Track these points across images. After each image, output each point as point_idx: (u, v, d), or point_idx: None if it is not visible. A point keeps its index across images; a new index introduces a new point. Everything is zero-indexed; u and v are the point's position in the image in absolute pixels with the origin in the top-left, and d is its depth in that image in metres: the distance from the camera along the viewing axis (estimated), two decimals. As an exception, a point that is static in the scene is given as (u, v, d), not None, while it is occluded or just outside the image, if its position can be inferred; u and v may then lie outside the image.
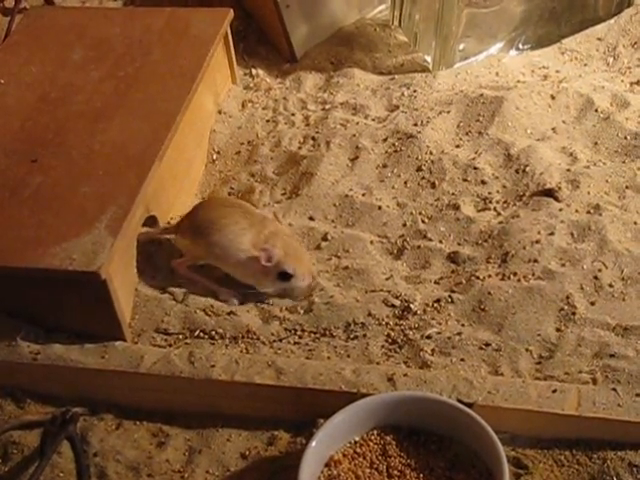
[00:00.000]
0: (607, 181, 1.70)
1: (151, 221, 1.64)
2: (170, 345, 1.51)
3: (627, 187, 1.68)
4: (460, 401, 1.35)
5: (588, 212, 1.64)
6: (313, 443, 1.30)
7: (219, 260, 1.59)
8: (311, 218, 1.71)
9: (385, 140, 1.81)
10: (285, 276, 1.56)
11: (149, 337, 1.52)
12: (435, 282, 1.58)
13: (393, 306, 1.53)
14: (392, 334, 1.49)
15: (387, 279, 1.58)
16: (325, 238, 1.66)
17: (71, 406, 1.45)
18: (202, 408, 1.45)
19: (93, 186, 1.56)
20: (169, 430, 1.44)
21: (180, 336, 1.53)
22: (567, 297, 1.51)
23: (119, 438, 1.43)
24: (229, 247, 1.57)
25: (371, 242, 1.65)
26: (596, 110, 1.84)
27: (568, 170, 1.72)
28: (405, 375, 1.40)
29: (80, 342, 1.50)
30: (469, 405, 1.34)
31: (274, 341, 1.51)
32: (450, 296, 1.53)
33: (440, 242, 1.64)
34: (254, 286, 1.58)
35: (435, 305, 1.52)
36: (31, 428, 1.43)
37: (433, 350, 1.46)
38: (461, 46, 2.00)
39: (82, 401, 1.47)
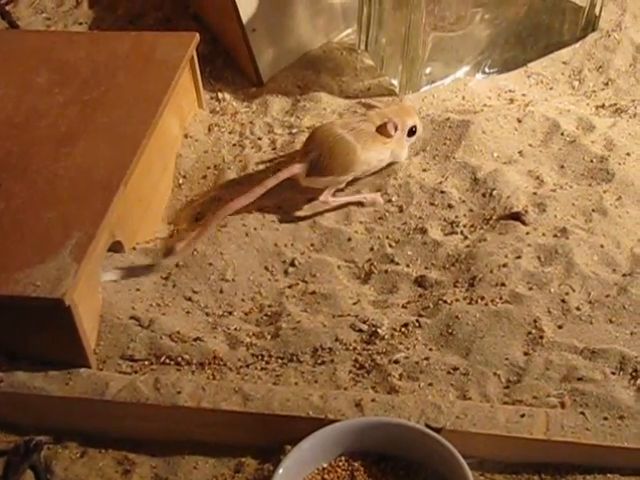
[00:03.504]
0: (573, 204, 1.70)
1: (116, 247, 1.63)
2: (136, 372, 1.49)
3: (593, 210, 1.69)
4: (428, 426, 1.34)
5: (555, 235, 1.64)
6: (280, 470, 1.29)
7: (365, 173, 1.79)
8: (276, 244, 1.70)
9: (352, 164, 1.81)
10: (412, 131, 1.80)
11: (114, 364, 1.51)
12: (402, 306, 1.57)
13: (360, 331, 1.52)
14: (360, 359, 1.48)
15: (354, 304, 1.58)
16: (292, 263, 1.66)
17: (35, 434, 1.43)
18: (168, 435, 1.44)
19: (57, 211, 1.54)
20: (135, 458, 1.43)
21: (146, 362, 1.51)
22: (534, 321, 1.51)
23: (84, 466, 1.42)
24: (372, 160, 1.76)
25: (338, 267, 1.65)
26: (562, 134, 1.84)
27: (535, 193, 1.72)
28: (373, 400, 1.40)
29: (44, 369, 1.48)
30: (437, 430, 1.34)
31: (241, 367, 1.49)
32: (418, 320, 1.53)
33: (407, 266, 1.64)
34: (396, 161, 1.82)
35: (403, 329, 1.52)
36: (-6, 458, 1.42)
37: (401, 375, 1.45)
38: (427, 70, 2.00)
39: (46, 429, 1.45)
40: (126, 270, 1.63)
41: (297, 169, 1.71)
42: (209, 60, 2.13)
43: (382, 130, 1.75)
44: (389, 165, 1.80)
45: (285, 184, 1.72)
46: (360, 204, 1.75)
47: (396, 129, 1.76)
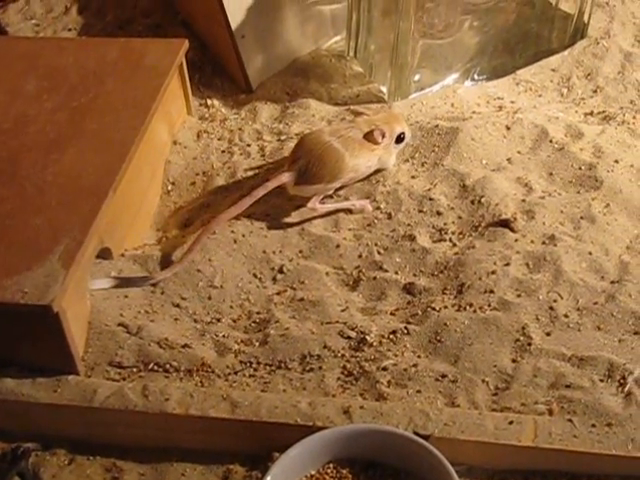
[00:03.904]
0: (562, 211, 1.70)
1: (105, 253, 1.62)
2: (124, 379, 1.49)
3: (582, 217, 1.69)
4: (416, 433, 1.34)
5: (543, 243, 1.64)
6: (268, 477, 1.29)
7: (352, 180, 1.79)
8: (265, 251, 1.70)
9: (341, 171, 1.81)
10: (400, 138, 1.80)
11: (102, 371, 1.50)
12: (391, 313, 1.57)
13: (349, 338, 1.52)
14: (348, 366, 1.48)
15: (343, 311, 1.58)
16: (281, 270, 1.65)
17: (23, 441, 1.43)
18: (156, 442, 1.44)
19: (46, 218, 1.54)
20: (123, 465, 1.42)
21: (134, 369, 1.51)
22: (523, 328, 1.51)
23: (72, 473, 1.41)
24: (360, 167, 1.76)
25: (327, 274, 1.65)
26: (551, 141, 1.85)
27: (523, 201, 1.73)
28: (361, 407, 1.40)
29: (32, 376, 1.47)
30: (425, 437, 1.34)
31: (229, 374, 1.49)
32: (406, 327, 1.53)
33: (396, 273, 1.64)
34: (383, 168, 1.81)
35: (391, 336, 1.52)
36: (-19, 465, 1.41)
37: (389, 382, 1.45)
38: (416, 77, 2.00)
39: (34, 436, 1.45)
40: (118, 280, 1.63)
41: (285, 178, 1.71)
42: (198, 67, 2.13)
43: (369, 137, 1.75)
44: (377, 172, 1.80)
45: (273, 191, 1.72)
46: (349, 211, 1.75)
47: (383, 136, 1.76)
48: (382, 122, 1.78)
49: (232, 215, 1.70)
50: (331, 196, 1.77)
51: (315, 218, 1.74)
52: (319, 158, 1.71)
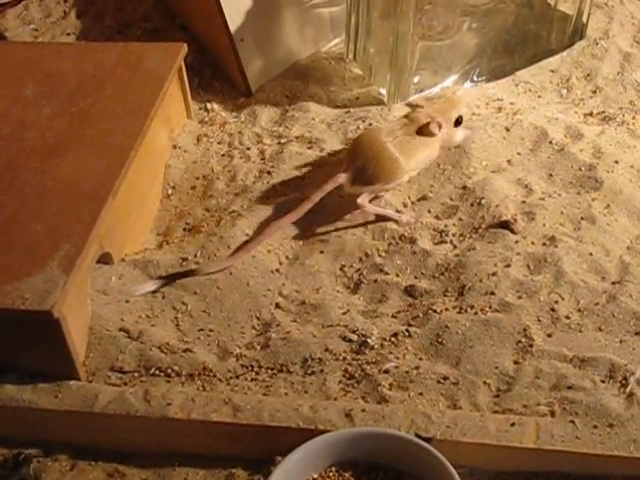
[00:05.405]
0: (562, 212, 1.70)
1: (105, 258, 1.62)
2: (125, 384, 1.49)
3: (582, 218, 1.69)
4: (418, 436, 1.34)
5: (544, 244, 1.64)
6: (271, 481, 1.29)
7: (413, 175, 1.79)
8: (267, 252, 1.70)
9: (341, 174, 1.81)
10: (458, 122, 1.81)
11: (104, 376, 1.50)
12: (392, 316, 1.57)
13: (350, 341, 1.52)
14: (349, 369, 1.48)
15: (344, 314, 1.58)
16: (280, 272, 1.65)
17: (24, 448, 1.42)
18: (158, 447, 1.44)
19: (46, 223, 1.54)
20: (125, 470, 1.42)
21: (135, 374, 1.50)
22: (524, 329, 1.51)
23: (74, 479, 1.41)
24: (420, 164, 1.78)
25: (328, 276, 1.65)
26: (550, 142, 1.85)
27: (523, 202, 1.72)
28: (363, 410, 1.39)
29: (33, 382, 1.47)
30: (427, 440, 1.34)
31: (231, 378, 1.49)
32: (407, 330, 1.52)
33: (397, 276, 1.63)
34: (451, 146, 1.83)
35: (392, 339, 1.52)
36: (-18, 472, 1.41)
37: (391, 385, 1.45)
38: (416, 79, 2.00)
39: (36, 442, 1.45)
40: (163, 279, 1.63)
41: (342, 179, 1.70)
42: (197, 70, 2.13)
43: (425, 131, 1.75)
44: None
45: (276, 193, 1.72)
46: (394, 221, 1.73)
47: (440, 127, 1.76)
48: (437, 112, 1.78)
49: (292, 220, 1.69)
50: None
51: (365, 213, 1.73)
52: (376, 159, 1.70)
